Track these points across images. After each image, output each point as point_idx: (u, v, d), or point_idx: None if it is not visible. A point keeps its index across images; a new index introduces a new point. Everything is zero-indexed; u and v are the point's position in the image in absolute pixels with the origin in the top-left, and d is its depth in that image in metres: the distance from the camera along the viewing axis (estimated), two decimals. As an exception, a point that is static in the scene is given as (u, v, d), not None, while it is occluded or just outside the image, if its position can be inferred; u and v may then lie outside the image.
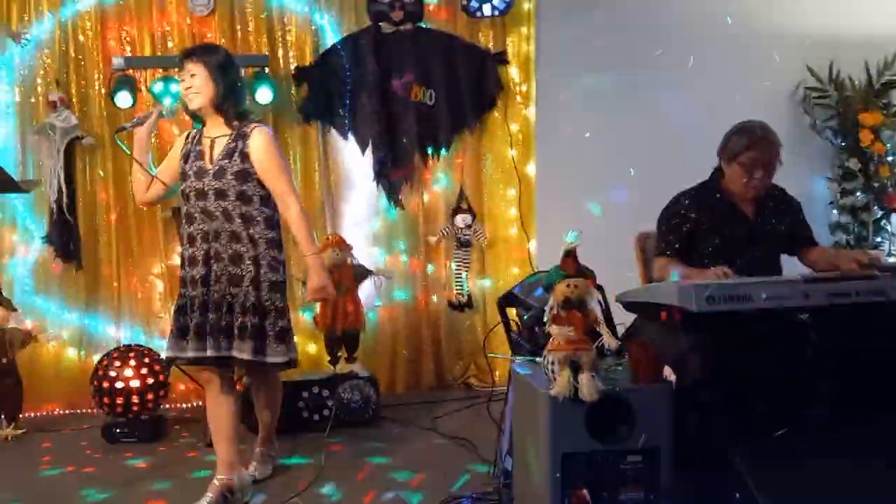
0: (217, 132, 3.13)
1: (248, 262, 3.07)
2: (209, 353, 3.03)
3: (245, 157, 3.07)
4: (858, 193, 5.11)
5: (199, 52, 3.17)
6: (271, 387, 3.40)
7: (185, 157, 3.16)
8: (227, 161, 3.07)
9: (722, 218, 3.03)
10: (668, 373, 2.43)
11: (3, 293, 4.33)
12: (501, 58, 5.04)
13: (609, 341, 2.33)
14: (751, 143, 2.98)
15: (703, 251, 3.00)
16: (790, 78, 5.16)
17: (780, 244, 3.13)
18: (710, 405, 2.34)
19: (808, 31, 5.07)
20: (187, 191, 3.11)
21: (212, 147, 3.12)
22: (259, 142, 3.08)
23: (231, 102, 3.13)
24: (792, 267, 3.16)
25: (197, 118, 3.21)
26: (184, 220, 3.17)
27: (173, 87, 4.58)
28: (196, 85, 3.06)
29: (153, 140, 4.53)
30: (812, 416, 2.32)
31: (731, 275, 2.66)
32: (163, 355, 4.29)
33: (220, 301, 3.05)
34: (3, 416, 4.20)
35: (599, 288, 2.47)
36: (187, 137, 3.24)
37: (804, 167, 5.00)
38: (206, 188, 3.07)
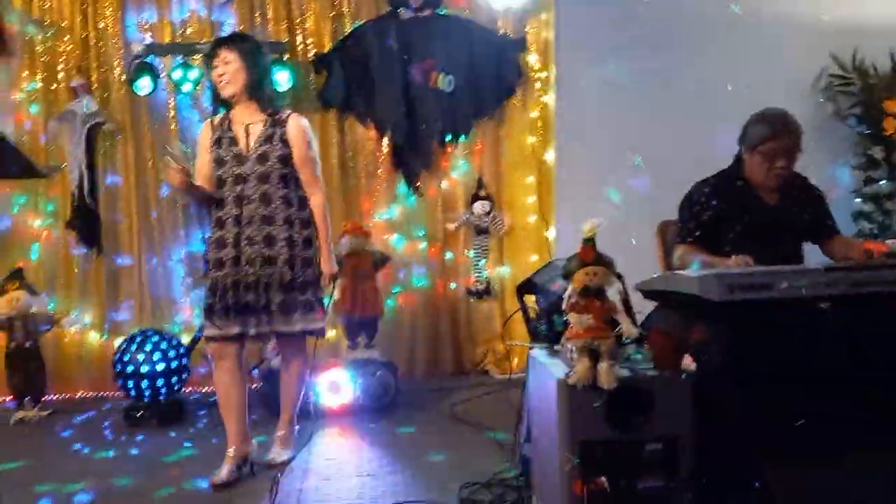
0: (250, 118, 3.22)
1: (282, 242, 3.19)
2: (252, 330, 3.18)
3: (285, 142, 3.20)
4: (882, 182, 5.05)
5: (233, 39, 3.29)
6: (304, 358, 3.45)
7: (217, 143, 3.22)
8: (268, 146, 3.19)
9: (743, 206, 3.00)
10: (689, 361, 2.42)
11: (27, 278, 4.38)
12: (521, 44, 5.01)
13: (628, 329, 2.32)
14: (773, 133, 2.94)
15: (724, 239, 2.97)
16: (813, 65, 5.09)
17: (803, 233, 3.10)
18: (730, 394, 2.33)
19: (832, 18, 5.00)
20: (224, 176, 3.20)
21: (247, 133, 3.19)
22: (298, 128, 3.24)
23: (265, 89, 3.26)
24: (815, 256, 3.13)
25: (225, 105, 3.27)
26: (214, 205, 3.24)
27: (191, 74, 4.61)
28: (230, 72, 3.17)
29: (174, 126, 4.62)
30: (832, 406, 2.30)
31: (752, 263, 2.64)
32: (185, 339, 4.38)
33: (258, 282, 3.16)
34: (27, 399, 4.27)
35: (619, 276, 2.46)
36: (212, 124, 3.28)
37: (827, 155, 4.94)
38: (246, 173, 3.16)
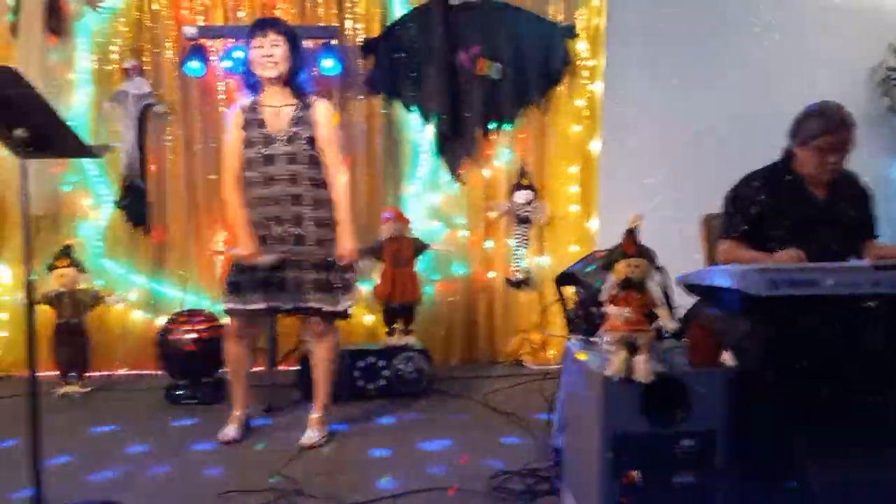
0: (280, 102, 3.30)
1: (310, 222, 3.29)
2: (289, 305, 3.33)
3: (313, 125, 3.28)
4: (938, 179, 4.90)
5: (281, 24, 3.38)
6: (334, 340, 3.50)
7: (247, 125, 3.28)
8: (298, 128, 3.27)
9: (793, 201, 2.93)
10: (728, 357, 2.38)
11: (75, 255, 4.47)
12: (570, 31, 4.95)
13: (666, 323, 2.29)
14: (829, 128, 2.85)
15: (771, 234, 2.90)
16: (870, 57, 4.96)
17: (849, 230, 3.01)
18: (770, 391, 2.28)
19: (891, 10, 4.86)
20: (254, 157, 3.26)
21: (277, 115, 3.25)
22: (325, 112, 3.32)
23: (301, 77, 3.34)
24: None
25: (254, 85, 3.32)
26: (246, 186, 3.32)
27: (236, 55, 4.65)
28: (277, 55, 3.26)
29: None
30: (873, 405, 2.25)
31: (804, 258, 2.58)
32: (227, 320, 4.43)
33: (288, 260, 3.29)
34: (72, 374, 4.36)
35: (660, 269, 2.43)
36: (241, 109, 3.34)
37: (880, 150, 4.83)
38: (275, 154, 3.24)
